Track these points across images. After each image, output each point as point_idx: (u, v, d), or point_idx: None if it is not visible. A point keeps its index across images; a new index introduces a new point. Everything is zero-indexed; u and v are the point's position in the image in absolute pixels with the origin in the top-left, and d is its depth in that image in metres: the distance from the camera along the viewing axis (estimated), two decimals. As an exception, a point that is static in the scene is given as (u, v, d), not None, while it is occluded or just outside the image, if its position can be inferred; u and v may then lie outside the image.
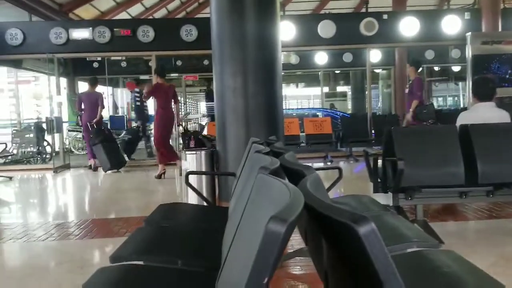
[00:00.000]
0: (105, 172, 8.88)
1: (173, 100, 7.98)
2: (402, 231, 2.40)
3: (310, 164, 1.90)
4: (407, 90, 7.73)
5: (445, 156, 3.92)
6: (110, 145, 9.11)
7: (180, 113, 9.37)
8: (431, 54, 13.67)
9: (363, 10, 11.75)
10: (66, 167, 9.75)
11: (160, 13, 16.64)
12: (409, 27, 9.74)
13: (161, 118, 7.84)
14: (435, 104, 19.44)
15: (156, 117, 7.99)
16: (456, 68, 15.68)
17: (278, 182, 1.24)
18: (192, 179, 4.89)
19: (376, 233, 0.84)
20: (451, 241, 3.70)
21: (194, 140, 7.53)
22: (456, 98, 19.88)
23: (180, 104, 13.05)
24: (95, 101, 9.24)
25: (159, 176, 7.86)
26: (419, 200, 3.81)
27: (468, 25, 9.78)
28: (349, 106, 17.95)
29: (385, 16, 9.92)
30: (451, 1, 12.53)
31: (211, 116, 11.61)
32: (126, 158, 9.97)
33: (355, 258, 0.96)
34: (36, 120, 11.95)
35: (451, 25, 9.78)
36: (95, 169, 9.20)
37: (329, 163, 9.18)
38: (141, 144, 11.24)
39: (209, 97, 14.24)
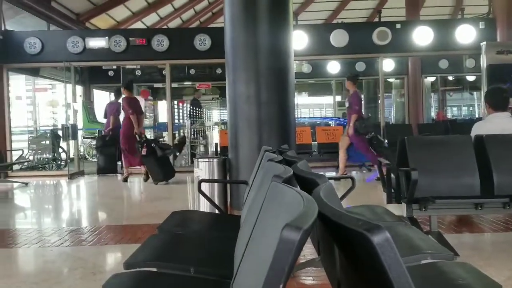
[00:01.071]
0: (98, 175, 9.65)
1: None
2: (416, 242, 2.37)
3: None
4: (346, 104, 7.86)
5: (459, 167, 3.88)
6: (106, 151, 9.74)
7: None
8: (445, 63, 13.56)
9: (376, 19, 11.73)
10: (81, 173, 9.87)
11: (174, 23, 16.82)
12: (422, 36, 9.70)
13: (128, 127, 8.46)
14: (449, 114, 19.28)
15: (124, 126, 8.65)
16: (470, 78, 15.53)
17: (291, 191, 1.24)
18: (204, 186, 4.91)
19: (391, 242, 0.84)
20: (466, 253, 3.64)
21: (146, 147, 8.17)
22: (470, 108, 19.68)
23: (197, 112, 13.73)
24: (112, 110, 10.02)
25: (125, 180, 8.52)
26: (433, 211, 3.77)
27: (483, 34, 9.71)
28: (362, 115, 17.83)
29: (398, 26, 9.90)
30: (465, 11, 12.43)
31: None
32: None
33: (369, 268, 0.95)
34: (52, 127, 12.11)
35: (466, 34, 9.71)
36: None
37: (341, 173, 9.12)
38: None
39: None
